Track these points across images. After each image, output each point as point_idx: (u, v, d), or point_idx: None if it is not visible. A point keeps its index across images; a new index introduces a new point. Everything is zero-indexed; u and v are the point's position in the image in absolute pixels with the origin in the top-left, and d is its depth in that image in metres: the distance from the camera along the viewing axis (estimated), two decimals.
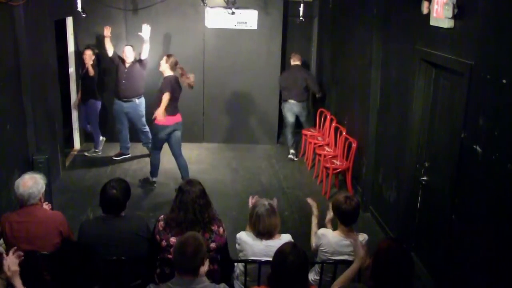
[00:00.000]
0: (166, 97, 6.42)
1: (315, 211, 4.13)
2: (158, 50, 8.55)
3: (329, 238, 3.79)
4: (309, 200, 4.24)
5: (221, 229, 3.65)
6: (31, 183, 3.70)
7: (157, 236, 3.60)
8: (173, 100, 6.55)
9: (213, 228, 3.60)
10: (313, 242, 3.94)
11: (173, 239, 3.52)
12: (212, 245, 3.57)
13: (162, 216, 3.69)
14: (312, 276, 3.94)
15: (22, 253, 3.12)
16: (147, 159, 8.10)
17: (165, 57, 6.72)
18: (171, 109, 6.56)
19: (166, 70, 6.63)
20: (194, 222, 3.50)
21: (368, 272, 2.83)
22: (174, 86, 6.58)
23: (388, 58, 5.91)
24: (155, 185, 7.07)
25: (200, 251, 2.91)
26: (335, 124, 7.72)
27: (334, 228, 3.94)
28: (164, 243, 3.55)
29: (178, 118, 6.73)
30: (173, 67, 6.64)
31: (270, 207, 3.68)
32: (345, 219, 3.80)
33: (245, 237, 3.74)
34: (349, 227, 3.82)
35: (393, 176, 5.77)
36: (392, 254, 2.69)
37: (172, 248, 3.06)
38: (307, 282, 2.89)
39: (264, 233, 3.66)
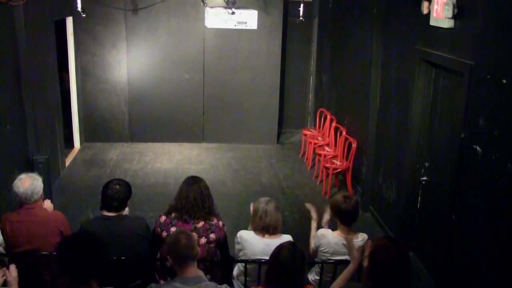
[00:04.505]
0: None
1: (313, 215, 4.12)
2: (158, 50, 8.57)
3: (329, 239, 3.78)
4: (308, 205, 4.22)
5: (220, 223, 3.76)
6: (30, 180, 3.72)
7: (158, 229, 3.71)
8: None
9: (212, 220, 3.72)
10: (312, 243, 3.93)
11: (173, 229, 3.64)
12: (212, 235, 3.66)
13: (163, 212, 3.80)
14: (312, 276, 3.94)
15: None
16: (147, 159, 8.12)
17: None
18: None
19: None
20: (194, 207, 3.65)
21: (366, 272, 2.83)
22: None
23: (388, 58, 5.92)
24: None
25: (193, 240, 3.00)
26: (335, 124, 7.72)
27: (333, 229, 3.93)
28: (164, 234, 3.65)
29: None
30: None
31: (275, 203, 3.75)
32: (345, 219, 3.80)
33: (245, 235, 3.75)
34: (349, 227, 3.82)
35: (393, 176, 5.77)
36: (388, 252, 2.68)
37: (166, 246, 3.10)
38: (302, 281, 2.88)
39: (269, 228, 3.67)
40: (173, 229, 3.65)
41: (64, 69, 8.06)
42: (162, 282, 3.63)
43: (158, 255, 3.79)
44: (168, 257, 3.00)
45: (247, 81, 8.82)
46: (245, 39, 8.64)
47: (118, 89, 8.68)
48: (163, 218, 3.74)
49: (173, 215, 3.71)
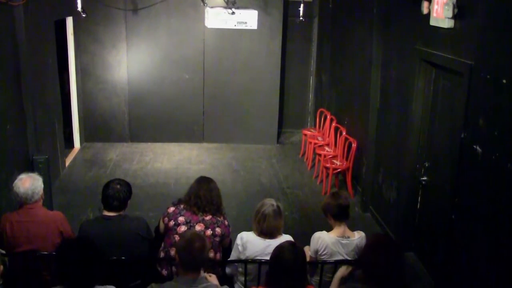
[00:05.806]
0: None
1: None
2: (158, 50, 8.57)
3: (325, 240, 3.75)
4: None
5: (226, 222, 3.92)
6: (31, 180, 3.73)
7: (166, 219, 3.84)
8: None
9: (219, 217, 3.88)
10: (309, 251, 3.84)
11: (181, 218, 3.78)
12: (217, 229, 3.81)
13: (172, 203, 3.96)
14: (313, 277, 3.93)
15: None
16: (147, 159, 8.12)
17: None
18: None
19: None
20: (202, 202, 3.81)
21: (361, 272, 2.83)
22: None
23: (388, 58, 5.92)
24: None
25: (205, 247, 2.98)
26: (335, 124, 7.72)
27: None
28: (171, 223, 3.78)
29: None
30: None
31: (277, 208, 3.72)
32: (339, 214, 3.77)
33: (246, 236, 3.75)
34: (344, 224, 3.80)
35: (393, 176, 5.77)
36: (381, 248, 2.69)
37: (176, 247, 3.13)
38: (303, 281, 2.89)
39: (266, 233, 3.69)
40: (181, 218, 3.79)
41: (64, 69, 8.06)
42: (164, 272, 3.71)
43: (162, 246, 3.87)
44: (176, 256, 3.00)
45: (247, 81, 8.82)
46: (245, 39, 8.64)
47: (118, 89, 8.69)
48: (171, 208, 3.88)
49: (182, 206, 3.86)
